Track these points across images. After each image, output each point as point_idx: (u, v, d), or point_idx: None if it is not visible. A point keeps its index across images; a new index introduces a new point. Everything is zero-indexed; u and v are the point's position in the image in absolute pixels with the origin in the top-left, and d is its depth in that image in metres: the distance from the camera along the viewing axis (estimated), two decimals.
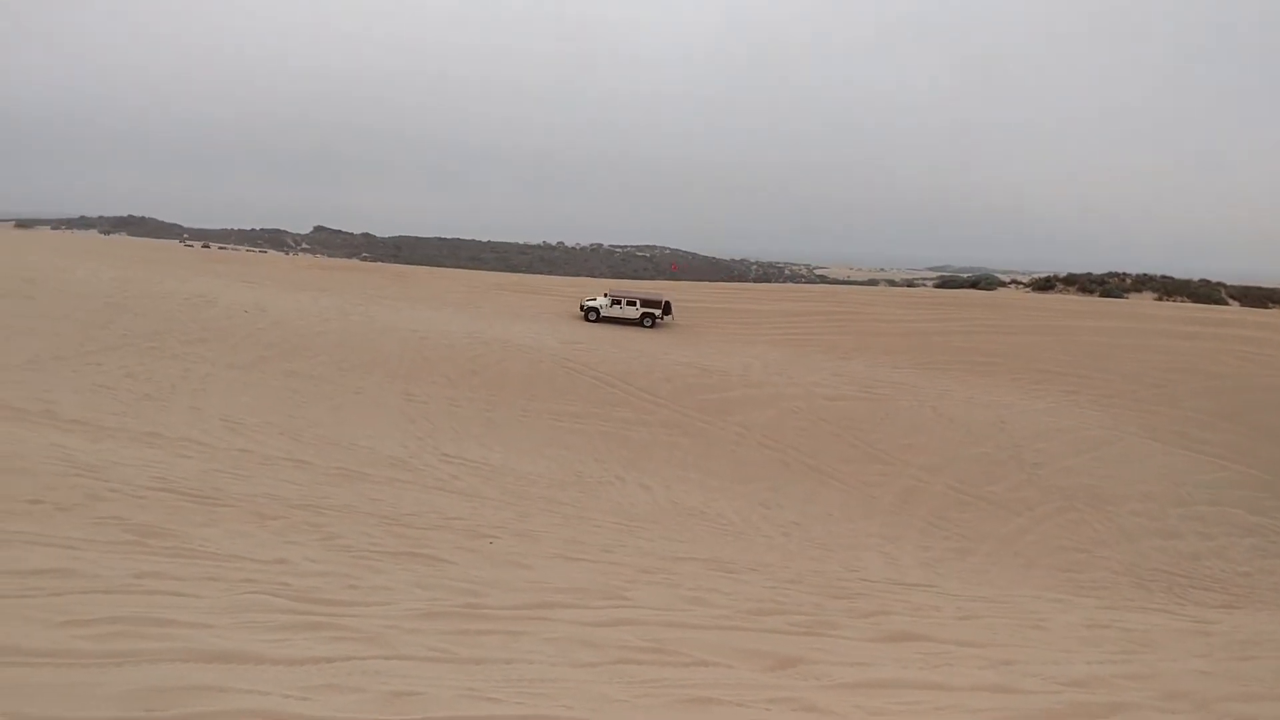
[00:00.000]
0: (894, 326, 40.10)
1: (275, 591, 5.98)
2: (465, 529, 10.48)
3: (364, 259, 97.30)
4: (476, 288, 45.51)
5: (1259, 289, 55.51)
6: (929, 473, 23.57)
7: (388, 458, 16.82)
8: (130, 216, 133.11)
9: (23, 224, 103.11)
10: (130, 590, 5.47)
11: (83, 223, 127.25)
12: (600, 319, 38.87)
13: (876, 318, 41.65)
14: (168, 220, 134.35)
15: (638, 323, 38.83)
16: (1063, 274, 60.48)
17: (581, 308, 39.80)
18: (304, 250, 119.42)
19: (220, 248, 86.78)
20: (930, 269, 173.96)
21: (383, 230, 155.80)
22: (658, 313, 39.17)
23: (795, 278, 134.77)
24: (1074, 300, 49.45)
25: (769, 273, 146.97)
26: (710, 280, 69.19)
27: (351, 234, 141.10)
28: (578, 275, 77.64)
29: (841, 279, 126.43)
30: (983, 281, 67.51)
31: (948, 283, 73.21)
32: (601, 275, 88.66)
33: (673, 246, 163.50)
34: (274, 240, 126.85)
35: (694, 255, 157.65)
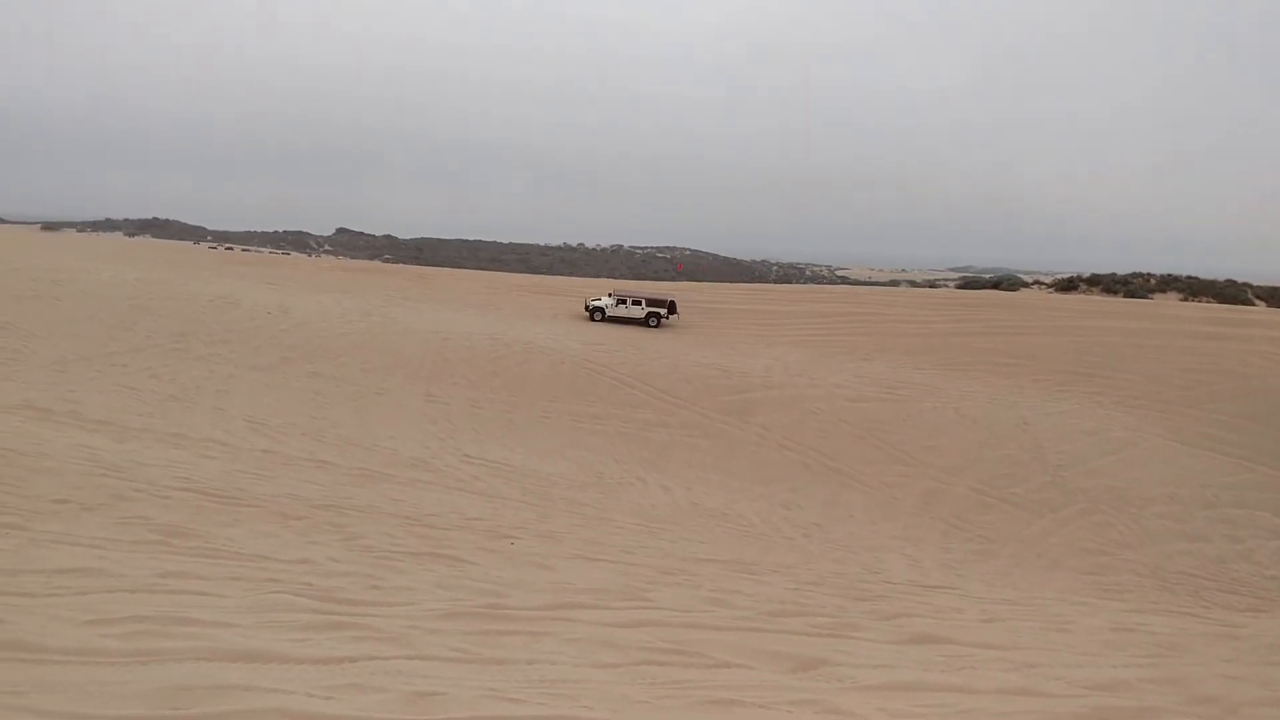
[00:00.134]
0: (916, 327, 39.87)
1: (299, 591, 6.01)
2: (486, 530, 10.50)
3: (386, 261, 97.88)
4: (497, 289, 45.65)
5: None
6: (951, 474, 23.42)
7: (409, 458, 16.88)
8: (155, 219, 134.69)
9: (49, 227, 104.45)
10: (155, 589, 5.51)
11: (108, 225, 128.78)
12: (606, 319, 38.81)
13: (898, 319, 41.43)
14: (192, 223, 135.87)
15: (643, 322, 38.64)
16: (1086, 274, 59.96)
17: (586, 308, 39.65)
18: (326, 252, 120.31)
19: (244, 249, 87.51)
20: (952, 269, 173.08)
21: (404, 232, 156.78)
22: (663, 312, 38.96)
23: (816, 279, 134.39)
24: (1097, 301, 49.02)
25: (790, 274, 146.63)
26: (731, 281, 69.08)
27: (373, 236, 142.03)
28: (598, 276, 77.70)
29: (863, 280, 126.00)
30: (1005, 282, 67.00)
31: (970, 283, 72.72)
32: (622, 276, 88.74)
33: (693, 248, 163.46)
34: (297, 242, 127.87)
35: (714, 256, 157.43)
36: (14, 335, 21.40)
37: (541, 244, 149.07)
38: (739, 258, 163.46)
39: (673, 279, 73.78)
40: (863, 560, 15.79)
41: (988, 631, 8.06)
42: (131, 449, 12.14)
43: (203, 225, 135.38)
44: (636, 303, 38.97)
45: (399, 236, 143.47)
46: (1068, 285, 58.88)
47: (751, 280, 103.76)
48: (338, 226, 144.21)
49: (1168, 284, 56.56)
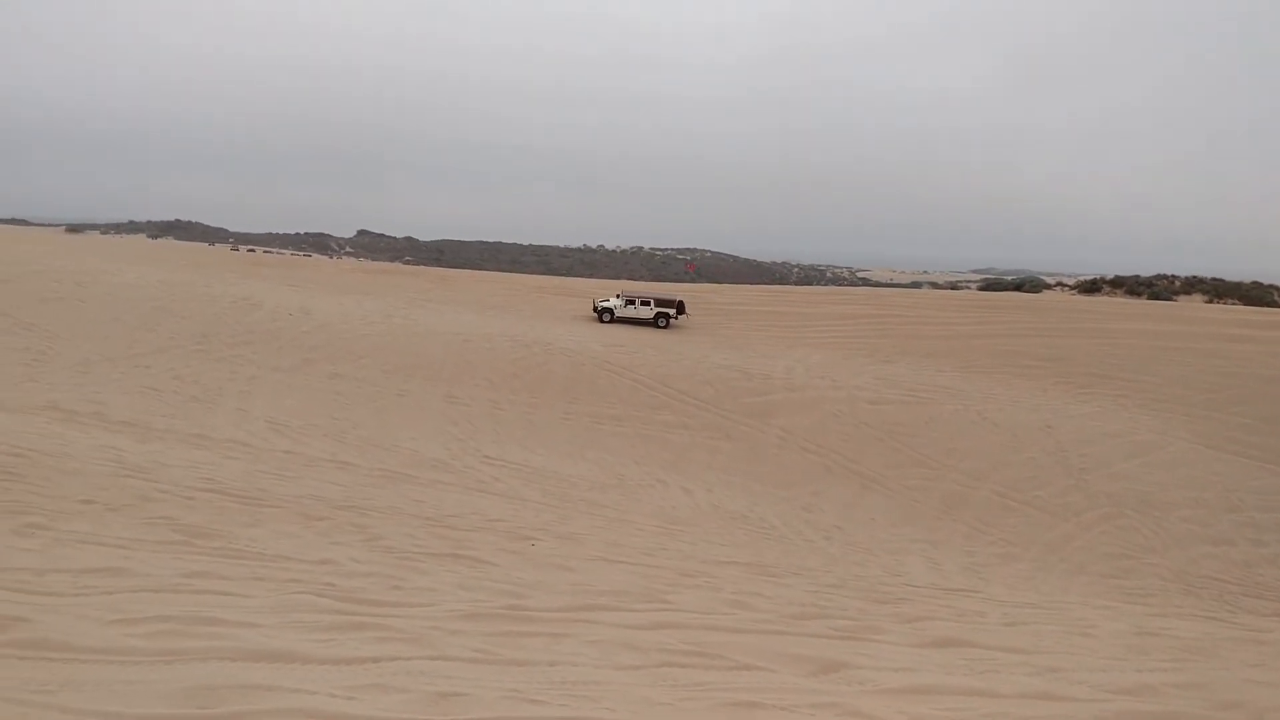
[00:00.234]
0: (938, 329, 39.65)
1: (321, 592, 6.05)
2: (507, 531, 10.53)
3: (407, 262, 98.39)
4: (517, 291, 45.73)
5: None
6: (973, 478, 23.27)
7: (430, 460, 16.95)
8: (177, 221, 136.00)
9: (73, 229, 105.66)
10: (180, 589, 5.57)
11: (131, 227, 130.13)
12: (614, 319, 38.59)
13: (920, 320, 41.21)
14: (214, 225, 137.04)
15: (651, 323, 38.37)
16: (1109, 276, 59.50)
17: (595, 308, 39.34)
18: (348, 254, 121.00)
19: (266, 251, 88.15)
20: (974, 271, 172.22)
21: (425, 234, 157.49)
22: (671, 313, 38.67)
23: (837, 280, 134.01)
24: (1121, 303, 48.62)
25: (810, 275, 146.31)
26: (752, 283, 68.92)
27: (394, 238, 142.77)
28: (617, 278, 77.74)
29: (884, 281, 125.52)
30: (1027, 284, 66.56)
31: (992, 285, 72.31)
32: (641, 278, 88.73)
33: (713, 249, 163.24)
34: (318, 244, 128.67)
35: (734, 258, 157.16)
36: (39, 336, 21.66)
37: (561, 245, 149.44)
38: (760, 259, 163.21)
39: (689, 280, 73.74)
40: (884, 563, 15.73)
41: (1010, 635, 8.01)
42: (155, 450, 12.26)
43: (224, 227, 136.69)
44: (645, 303, 38.70)
45: (420, 238, 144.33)
46: (1091, 287, 58.48)
47: (772, 282, 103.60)
48: (359, 228, 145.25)
49: (1193, 286, 56.05)
